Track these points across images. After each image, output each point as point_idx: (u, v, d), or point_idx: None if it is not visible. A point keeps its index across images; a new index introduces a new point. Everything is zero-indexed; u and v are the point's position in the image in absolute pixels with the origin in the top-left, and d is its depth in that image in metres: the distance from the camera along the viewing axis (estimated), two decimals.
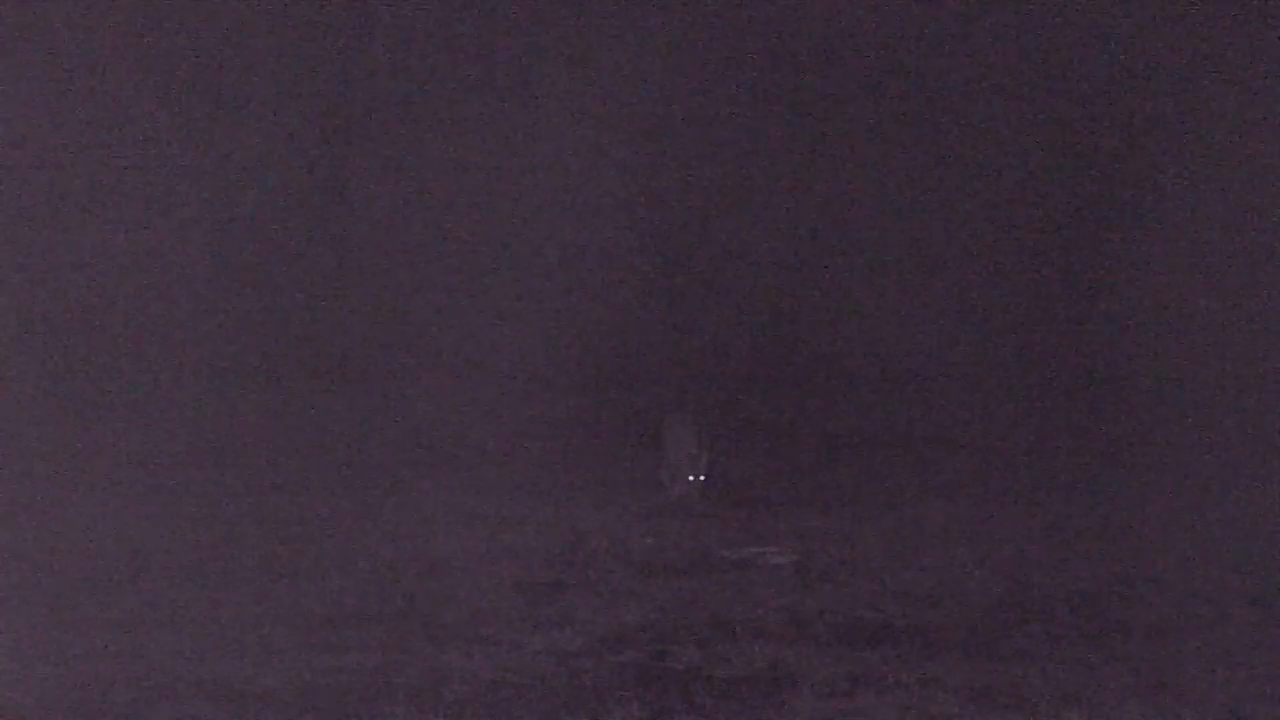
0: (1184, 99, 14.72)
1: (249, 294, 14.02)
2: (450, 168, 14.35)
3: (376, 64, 14.19)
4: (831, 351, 14.46)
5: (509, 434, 12.40)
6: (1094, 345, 14.64)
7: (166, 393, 13.36)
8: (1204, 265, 14.66)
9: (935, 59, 14.78)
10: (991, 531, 9.51)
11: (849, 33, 14.69)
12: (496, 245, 14.37)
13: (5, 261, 13.46)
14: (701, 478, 10.02)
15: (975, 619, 7.64)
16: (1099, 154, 14.91)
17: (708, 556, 8.91)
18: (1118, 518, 9.89)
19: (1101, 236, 14.83)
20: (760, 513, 10.05)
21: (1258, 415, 12.85)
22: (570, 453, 11.84)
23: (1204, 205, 14.68)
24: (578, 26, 14.42)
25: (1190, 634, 7.39)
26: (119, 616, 7.58)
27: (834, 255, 14.78)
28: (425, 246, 14.33)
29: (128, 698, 6.41)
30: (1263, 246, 14.64)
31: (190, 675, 6.70)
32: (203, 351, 13.77)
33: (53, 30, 13.76)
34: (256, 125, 14.11)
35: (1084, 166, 14.95)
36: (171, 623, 7.49)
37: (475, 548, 8.99)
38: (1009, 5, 14.76)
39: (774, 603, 7.90)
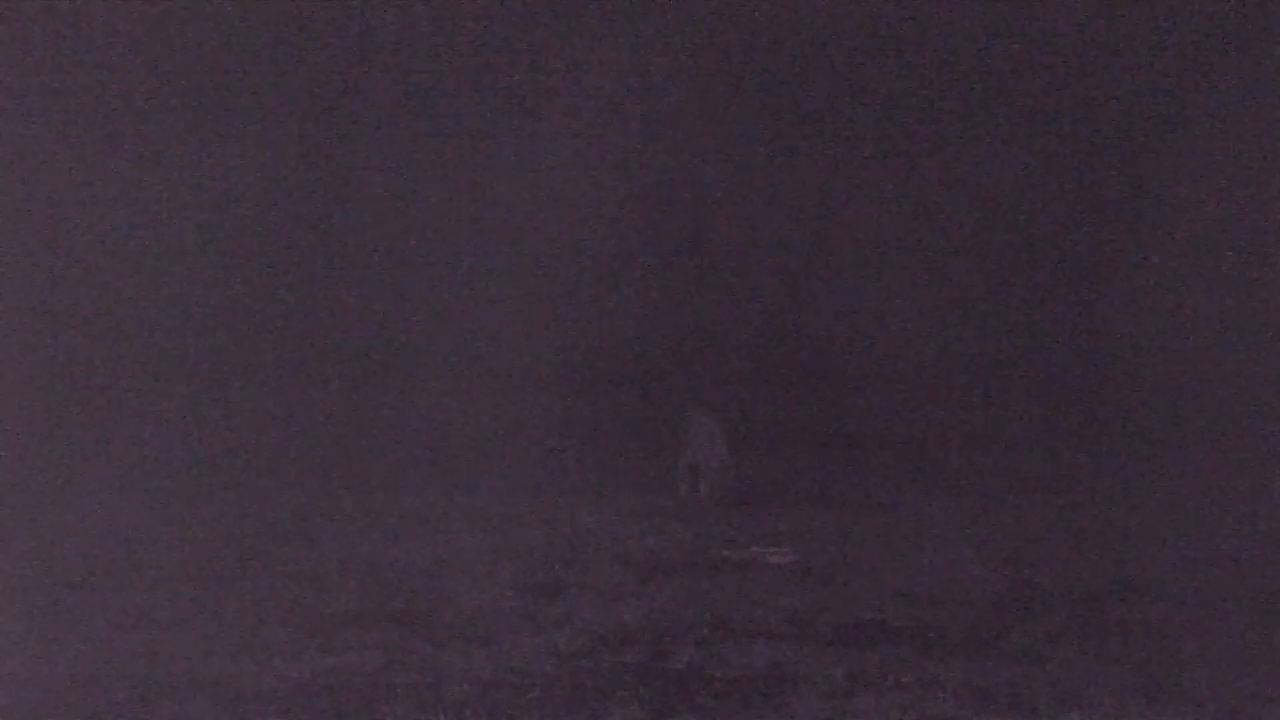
0: (1184, 99, 14.72)
1: (248, 294, 14.02)
2: (453, 164, 14.35)
3: (377, 64, 14.19)
4: (833, 351, 14.46)
5: (509, 434, 12.39)
6: (1094, 345, 14.64)
7: (166, 393, 13.35)
8: (1204, 265, 14.65)
9: (937, 58, 14.78)
10: (991, 531, 9.51)
11: (853, 31, 14.70)
12: (500, 244, 14.37)
13: (5, 261, 13.45)
14: (728, 478, 10.04)
15: (975, 619, 7.64)
16: (1099, 153, 14.91)
17: (708, 556, 8.91)
18: (1118, 518, 9.89)
19: (1101, 236, 14.83)
20: (760, 513, 10.05)
21: (1258, 415, 12.84)
22: (570, 453, 11.84)
23: (1204, 205, 14.67)
24: (582, 23, 14.43)
25: (1190, 634, 7.39)
26: (119, 616, 7.58)
27: (834, 255, 14.78)
28: (426, 246, 14.32)
29: (128, 698, 6.41)
30: (1263, 246, 14.63)
31: (190, 675, 6.70)
32: (202, 351, 13.76)
33: (52, 30, 13.76)
34: (257, 125, 14.11)
35: (1084, 166, 14.94)
36: (171, 623, 7.49)
37: (475, 548, 8.99)
38: (1010, 5, 14.76)
39: (774, 603, 7.90)
